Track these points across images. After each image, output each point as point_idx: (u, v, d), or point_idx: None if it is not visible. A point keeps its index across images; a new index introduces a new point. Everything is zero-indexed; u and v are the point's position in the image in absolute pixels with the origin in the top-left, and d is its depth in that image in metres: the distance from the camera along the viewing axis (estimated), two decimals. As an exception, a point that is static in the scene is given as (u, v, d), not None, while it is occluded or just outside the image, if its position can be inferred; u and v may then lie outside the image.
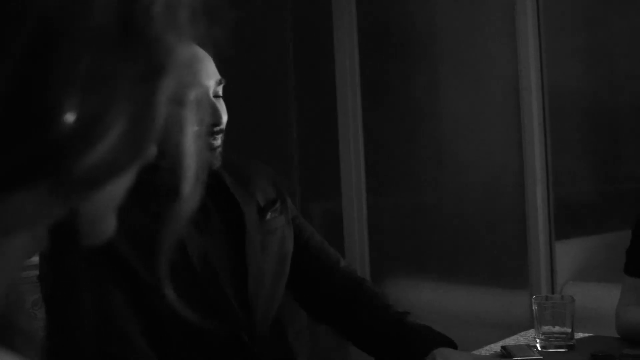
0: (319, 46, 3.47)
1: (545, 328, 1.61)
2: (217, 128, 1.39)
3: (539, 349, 1.59)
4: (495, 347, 1.62)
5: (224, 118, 1.41)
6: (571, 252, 3.10)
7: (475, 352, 1.61)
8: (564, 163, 3.09)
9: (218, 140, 1.39)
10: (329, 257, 1.61)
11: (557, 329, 1.61)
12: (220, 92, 1.43)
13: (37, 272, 1.24)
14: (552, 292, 2.89)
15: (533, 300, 1.62)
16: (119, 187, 0.43)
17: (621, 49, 3.34)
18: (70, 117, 0.37)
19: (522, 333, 1.74)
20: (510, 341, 1.66)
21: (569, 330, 1.60)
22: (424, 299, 3.31)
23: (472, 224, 3.16)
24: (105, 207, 0.43)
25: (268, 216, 1.51)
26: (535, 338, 1.62)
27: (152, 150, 0.46)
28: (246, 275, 1.43)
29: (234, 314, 1.37)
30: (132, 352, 1.27)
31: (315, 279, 1.58)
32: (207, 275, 1.36)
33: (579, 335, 1.70)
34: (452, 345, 1.46)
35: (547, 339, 1.60)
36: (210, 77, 1.40)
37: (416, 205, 3.34)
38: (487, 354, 1.59)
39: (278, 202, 1.56)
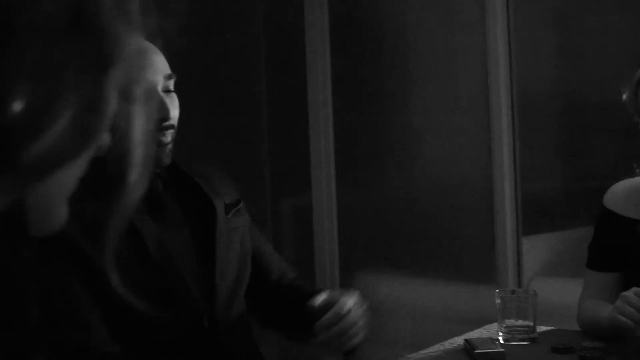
0: (291, 42, 3.48)
1: (508, 321, 1.63)
2: (166, 123, 1.39)
3: (502, 342, 1.61)
4: (459, 340, 1.64)
5: (173, 113, 1.41)
6: (538, 248, 3.14)
7: (439, 345, 1.62)
8: (532, 160, 3.13)
9: (167, 137, 1.39)
10: (275, 270, 1.62)
11: (519, 322, 1.63)
12: (171, 87, 1.43)
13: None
14: (519, 287, 2.92)
15: (496, 294, 1.65)
16: (70, 176, 0.44)
17: (591, 48, 3.38)
18: (17, 106, 0.37)
19: (487, 326, 1.76)
20: (474, 334, 1.68)
21: (532, 323, 1.62)
22: (393, 293, 3.34)
23: (441, 219, 3.19)
24: (56, 196, 0.44)
25: (231, 214, 1.53)
26: (498, 331, 1.64)
27: (104, 141, 0.46)
28: (211, 265, 1.44)
29: (193, 302, 1.38)
30: (93, 341, 1.27)
31: (260, 290, 1.59)
32: (164, 264, 1.36)
33: (542, 328, 1.73)
34: None
35: (510, 332, 1.62)
36: (159, 72, 1.40)
37: (386, 201, 3.36)
38: (451, 347, 1.61)
39: (241, 203, 1.58)
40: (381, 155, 3.35)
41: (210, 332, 1.39)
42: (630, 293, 1.49)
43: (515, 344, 1.60)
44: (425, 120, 3.28)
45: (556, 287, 2.87)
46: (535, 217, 3.12)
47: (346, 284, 3.36)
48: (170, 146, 1.41)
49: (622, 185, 1.73)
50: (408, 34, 3.33)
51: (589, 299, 1.70)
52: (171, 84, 1.43)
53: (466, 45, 3.08)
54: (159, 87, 1.39)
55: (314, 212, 3.37)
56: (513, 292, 1.67)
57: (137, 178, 0.46)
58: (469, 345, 1.55)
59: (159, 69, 1.40)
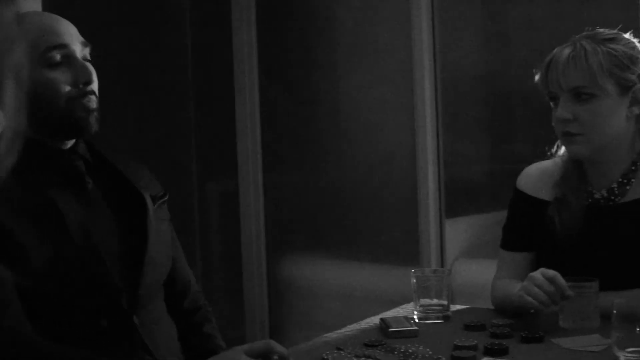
0: (217, 24, 3.45)
1: (423, 301, 1.66)
2: (90, 87, 1.39)
3: (417, 320, 1.64)
4: (376, 319, 1.66)
5: (94, 78, 1.41)
6: (461, 230, 3.20)
7: (356, 324, 1.65)
8: (456, 144, 3.18)
9: (93, 103, 1.40)
10: (186, 274, 1.62)
11: (435, 301, 1.67)
12: (88, 56, 1.43)
13: None
14: (442, 269, 2.98)
15: (412, 274, 1.67)
16: None
17: (515, 33, 3.44)
18: None
19: (403, 306, 1.79)
20: (390, 314, 1.71)
21: (446, 302, 1.66)
22: (320, 276, 3.36)
23: (366, 203, 3.23)
24: None
25: (157, 205, 1.52)
26: (413, 310, 1.68)
27: (20, 122, 0.45)
28: (139, 252, 1.43)
29: (111, 284, 1.37)
30: (6, 319, 1.25)
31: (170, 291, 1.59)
32: (84, 245, 1.35)
33: (457, 307, 1.77)
34: None
35: (425, 311, 1.66)
36: (74, 39, 1.40)
37: (312, 184, 3.38)
38: (367, 326, 1.63)
39: (166, 196, 1.57)
40: (307, 140, 3.36)
41: (128, 310, 1.38)
42: (537, 274, 1.54)
43: (429, 322, 1.64)
44: (352, 105, 3.30)
45: (478, 268, 2.93)
46: (459, 200, 3.18)
47: (273, 267, 3.38)
48: (96, 114, 1.41)
49: (534, 168, 1.78)
50: (335, 18, 3.34)
51: (502, 279, 1.75)
52: (87, 53, 1.43)
53: (392, 30, 3.11)
54: (78, 54, 1.39)
55: (241, 196, 3.37)
56: (424, 271, 1.70)
57: (5, 148, 0.46)
58: (384, 324, 1.58)
59: (73, 36, 1.40)
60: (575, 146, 1.62)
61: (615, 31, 1.64)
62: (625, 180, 1.65)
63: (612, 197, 1.65)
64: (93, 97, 1.40)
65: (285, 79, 3.41)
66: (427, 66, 2.97)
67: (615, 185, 1.65)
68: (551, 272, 1.53)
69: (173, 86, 3.52)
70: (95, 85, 1.42)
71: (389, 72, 3.13)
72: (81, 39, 1.42)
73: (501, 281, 1.74)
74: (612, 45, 1.60)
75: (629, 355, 1.30)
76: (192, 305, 1.62)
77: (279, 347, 1.18)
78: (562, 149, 1.73)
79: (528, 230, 1.73)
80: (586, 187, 1.68)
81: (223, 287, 3.57)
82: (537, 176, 1.75)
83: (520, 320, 1.57)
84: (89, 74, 1.39)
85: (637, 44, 1.64)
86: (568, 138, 1.63)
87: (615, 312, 1.32)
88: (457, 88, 3.20)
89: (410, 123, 3.01)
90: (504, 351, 1.39)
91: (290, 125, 3.40)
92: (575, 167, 1.69)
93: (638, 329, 1.30)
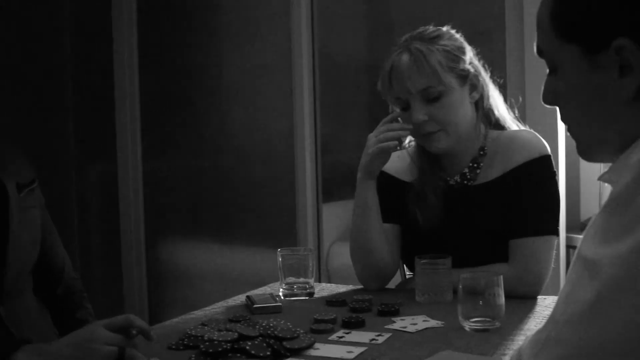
0: (97, 8, 3.41)
1: (288, 279, 1.73)
2: None
3: (282, 297, 1.70)
4: (242, 297, 1.71)
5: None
6: (338, 214, 3.29)
7: (223, 302, 1.69)
8: (333, 130, 3.26)
9: None
10: (60, 260, 1.63)
11: (300, 279, 1.73)
12: None
13: None
14: (319, 251, 3.06)
15: (278, 253, 1.73)
16: None
17: (398, 17, 3.51)
18: None
19: (270, 284, 1.85)
20: (257, 292, 1.77)
21: (309, 280, 1.73)
22: (198, 260, 3.39)
23: (246, 188, 3.27)
24: None
25: (23, 193, 1.50)
26: (279, 288, 1.74)
27: None
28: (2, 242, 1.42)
29: None
30: None
31: (43, 277, 1.59)
32: None
33: (322, 285, 1.84)
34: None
35: (290, 288, 1.72)
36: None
37: (193, 168, 3.40)
38: (234, 303, 1.68)
39: (35, 183, 1.56)
40: (188, 124, 3.37)
41: None
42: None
43: (294, 300, 1.70)
44: (233, 90, 3.33)
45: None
46: (335, 185, 3.26)
47: (152, 252, 3.38)
48: None
49: (397, 153, 1.87)
50: (216, 2, 3.35)
51: None
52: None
53: (272, 14, 3.15)
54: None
55: (119, 179, 3.35)
56: (293, 250, 1.76)
57: None
58: (249, 300, 1.63)
59: None
60: (436, 143, 1.71)
61: (437, 28, 1.75)
62: (475, 165, 1.76)
63: (465, 182, 1.76)
64: None
65: (165, 63, 3.40)
66: (305, 52, 3.03)
67: (466, 170, 1.76)
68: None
69: (51, 66, 3.46)
70: None
71: (268, 58, 3.18)
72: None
73: None
74: (442, 42, 1.71)
75: (472, 324, 1.40)
76: (66, 291, 1.63)
77: (138, 321, 1.20)
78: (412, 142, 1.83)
79: (392, 205, 1.81)
80: (440, 175, 1.78)
81: (102, 272, 3.54)
82: (397, 160, 1.84)
83: (378, 296, 1.66)
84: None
85: (457, 35, 1.75)
86: (428, 137, 1.71)
87: (461, 286, 1.42)
88: (335, 75, 3.28)
89: (289, 109, 3.07)
90: (360, 323, 1.46)
91: (170, 108, 3.40)
92: (428, 159, 1.78)
93: (480, 302, 1.40)
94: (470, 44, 1.76)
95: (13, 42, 3.28)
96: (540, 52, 0.99)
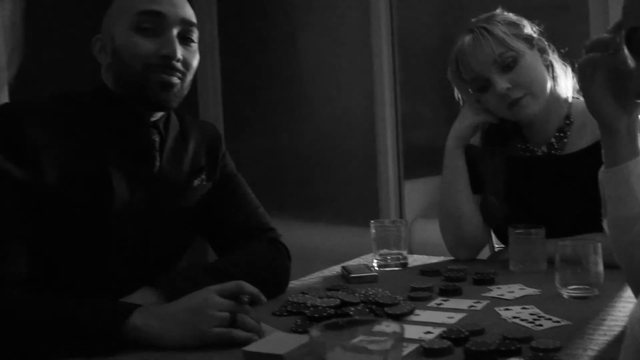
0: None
1: (382, 250, 1.76)
2: (172, 62, 1.35)
3: (376, 268, 1.74)
4: (337, 268, 1.75)
5: (184, 56, 1.38)
6: (419, 191, 3.31)
7: (319, 273, 1.73)
8: (414, 107, 3.27)
9: (174, 78, 1.37)
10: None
11: (393, 250, 1.76)
12: (189, 35, 1.40)
13: None
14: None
15: (371, 225, 1.76)
16: None
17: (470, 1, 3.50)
18: None
19: (363, 256, 1.89)
20: (351, 263, 1.80)
21: (403, 251, 1.76)
22: (285, 237, 3.44)
23: (327, 167, 3.31)
24: None
25: (195, 183, 1.53)
26: (372, 259, 1.77)
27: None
28: None
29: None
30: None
31: None
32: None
33: (413, 257, 1.87)
34: None
35: (384, 259, 1.75)
36: (174, 13, 1.37)
37: (274, 149, 3.45)
38: (330, 274, 1.72)
39: (204, 173, 1.56)
40: (268, 104, 3.42)
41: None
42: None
43: (388, 270, 1.73)
44: (311, 71, 3.37)
45: (436, 228, 3.03)
46: (417, 162, 3.27)
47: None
48: (176, 90, 1.37)
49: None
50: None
51: None
52: (192, 34, 1.40)
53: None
54: (174, 30, 1.37)
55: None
56: (386, 222, 1.79)
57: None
58: (345, 271, 1.67)
59: (173, 5, 1.38)
60: (525, 109, 1.70)
61: (488, 13, 1.76)
62: (561, 134, 1.75)
63: (552, 152, 1.76)
64: (175, 74, 1.36)
65: (244, 48, 3.45)
66: (384, 31, 3.04)
67: (553, 140, 1.76)
68: None
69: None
70: (183, 66, 1.38)
71: (347, 37, 3.20)
72: (184, 16, 1.38)
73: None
74: (498, 18, 1.73)
75: (571, 291, 1.41)
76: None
77: (249, 287, 1.24)
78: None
79: (477, 177, 1.82)
80: (527, 145, 1.78)
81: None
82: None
83: (471, 266, 1.67)
84: (173, 49, 1.35)
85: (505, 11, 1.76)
86: (516, 105, 1.70)
87: (559, 254, 1.43)
88: (415, 52, 3.28)
89: (369, 87, 3.09)
90: (457, 291, 1.48)
91: (250, 90, 3.45)
92: (512, 125, 1.79)
93: (578, 270, 1.41)
94: (549, 19, 1.77)
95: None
96: (635, 30, 0.95)
